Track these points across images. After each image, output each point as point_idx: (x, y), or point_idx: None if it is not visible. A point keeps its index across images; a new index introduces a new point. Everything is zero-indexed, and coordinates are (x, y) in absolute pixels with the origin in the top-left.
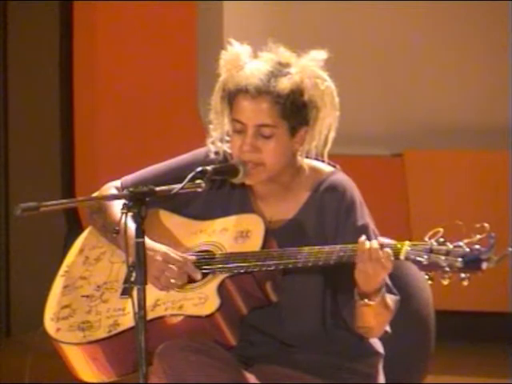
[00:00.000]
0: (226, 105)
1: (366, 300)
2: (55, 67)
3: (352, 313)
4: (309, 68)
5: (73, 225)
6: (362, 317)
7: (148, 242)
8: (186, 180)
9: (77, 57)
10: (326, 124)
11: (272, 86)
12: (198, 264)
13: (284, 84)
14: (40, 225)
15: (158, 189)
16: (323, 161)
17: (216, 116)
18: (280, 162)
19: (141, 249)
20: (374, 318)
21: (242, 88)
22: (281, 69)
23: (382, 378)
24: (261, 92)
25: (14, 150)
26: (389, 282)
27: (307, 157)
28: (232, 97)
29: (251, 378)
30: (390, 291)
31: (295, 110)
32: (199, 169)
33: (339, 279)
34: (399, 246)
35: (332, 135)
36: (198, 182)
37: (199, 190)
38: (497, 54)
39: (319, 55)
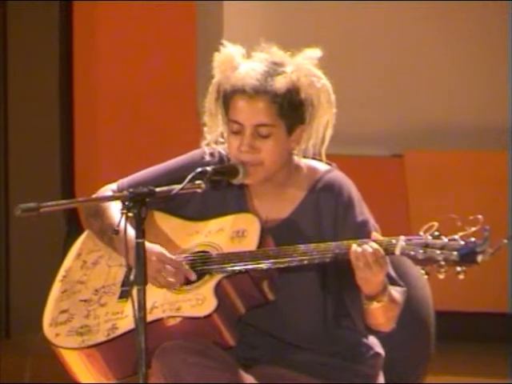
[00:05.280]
0: (220, 106)
1: (375, 303)
2: (55, 67)
3: (360, 313)
4: (304, 66)
5: (73, 226)
6: (372, 316)
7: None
8: (186, 180)
9: (76, 57)
10: (323, 122)
11: (269, 86)
12: (194, 265)
13: (280, 83)
14: (40, 226)
15: (157, 189)
16: (320, 160)
17: (211, 118)
18: (278, 161)
19: (141, 249)
20: (384, 315)
21: (239, 88)
22: (276, 68)
23: (381, 379)
24: (258, 92)
25: (13, 150)
26: (393, 274)
27: (304, 156)
28: (228, 98)
29: (250, 379)
30: (395, 283)
31: (292, 108)
32: (199, 169)
33: (343, 279)
34: (394, 241)
35: (329, 133)
36: (197, 182)
37: (199, 190)
38: (497, 55)
39: (314, 53)
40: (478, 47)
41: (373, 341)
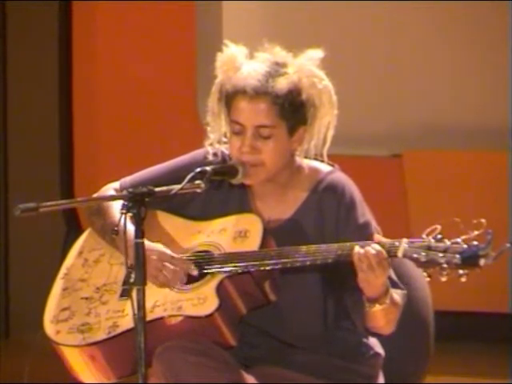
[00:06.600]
0: (223, 106)
1: (377, 305)
2: (54, 68)
3: (361, 315)
4: (306, 67)
5: (72, 226)
6: (373, 319)
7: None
8: (186, 180)
9: (76, 57)
10: (325, 123)
11: (270, 87)
12: (196, 264)
13: (282, 84)
14: (39, 226)
15: (157, 189)
16: (322, 161)
17: (213, 118)
18: (279, 162)
19: (140, 249)
20: (385, 318)
21: (240, 89)
22: (278, 69)
23: (381, 379)
24: (259, 93)
25: (13, 150)
26: (394, 276)
27: (306, 157)
28: (230, 98)
29: (250, 379)
30: (396, 286)
31: (293, 109)
32: (198, 169)
33: (344, 280)
34: (397, 243)
35: (331, 134)
36: (197, 182)
37: (198, 190)
38: (497, 55)
39: (316, 54)
40: (478, 47)
41: (373, 341)
